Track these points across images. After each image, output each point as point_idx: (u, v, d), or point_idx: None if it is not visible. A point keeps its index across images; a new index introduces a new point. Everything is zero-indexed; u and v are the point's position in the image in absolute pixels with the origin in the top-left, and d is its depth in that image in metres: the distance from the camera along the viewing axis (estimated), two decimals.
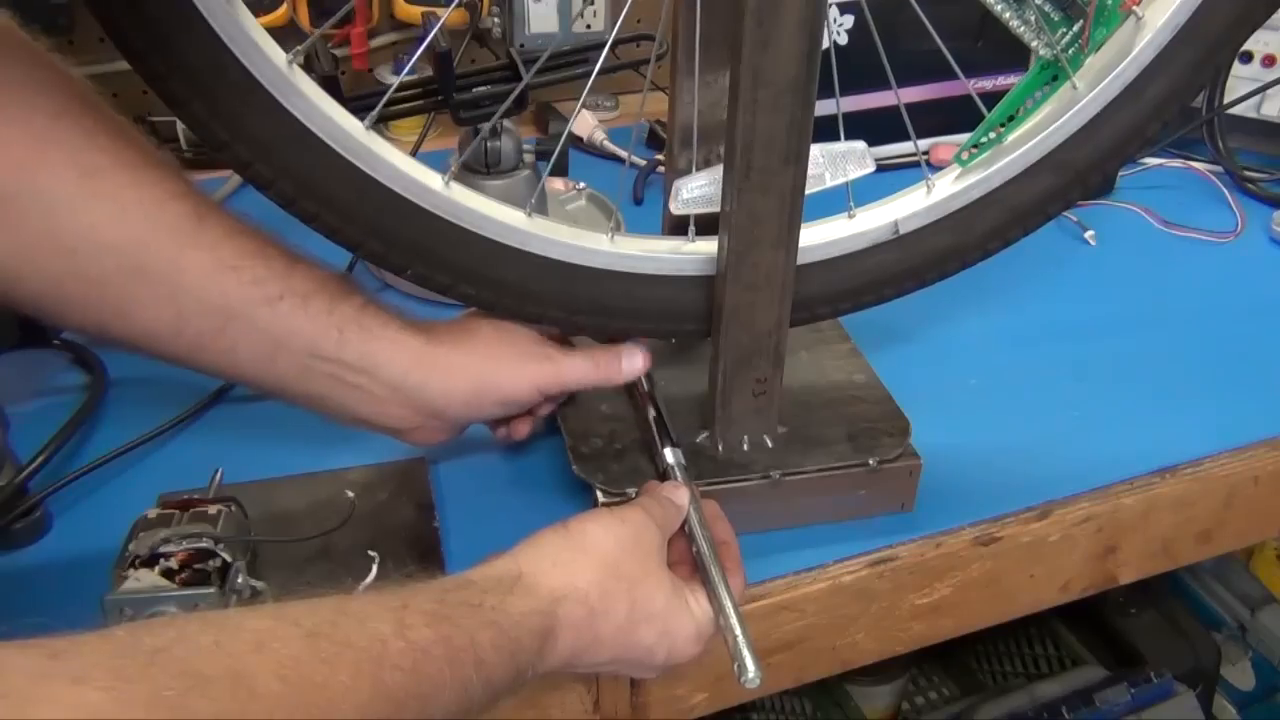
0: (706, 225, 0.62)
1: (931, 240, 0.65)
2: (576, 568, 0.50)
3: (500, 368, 0.62)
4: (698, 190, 0.61)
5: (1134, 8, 0.61)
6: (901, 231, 0.64)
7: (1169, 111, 0.65)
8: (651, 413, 0.65)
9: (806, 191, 0.58)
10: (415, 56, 0.63)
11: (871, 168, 0.62)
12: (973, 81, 1.02)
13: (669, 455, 0.61)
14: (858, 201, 0.64)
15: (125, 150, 0.54)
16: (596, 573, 0.50)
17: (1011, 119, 0.63)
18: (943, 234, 0.65)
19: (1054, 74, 0.62)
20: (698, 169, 0.63)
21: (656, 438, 0.63)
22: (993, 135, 0.64)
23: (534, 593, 0.48)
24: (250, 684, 0.36)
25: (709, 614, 0.54)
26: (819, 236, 0.64)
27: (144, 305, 0.55)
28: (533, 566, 0.49)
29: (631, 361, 0.64)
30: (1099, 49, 0.62)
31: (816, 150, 0.60)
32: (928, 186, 0.65)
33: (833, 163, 0.62)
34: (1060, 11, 0.61)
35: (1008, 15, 0.60)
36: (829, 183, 0.62)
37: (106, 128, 0.54)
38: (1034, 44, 0.61)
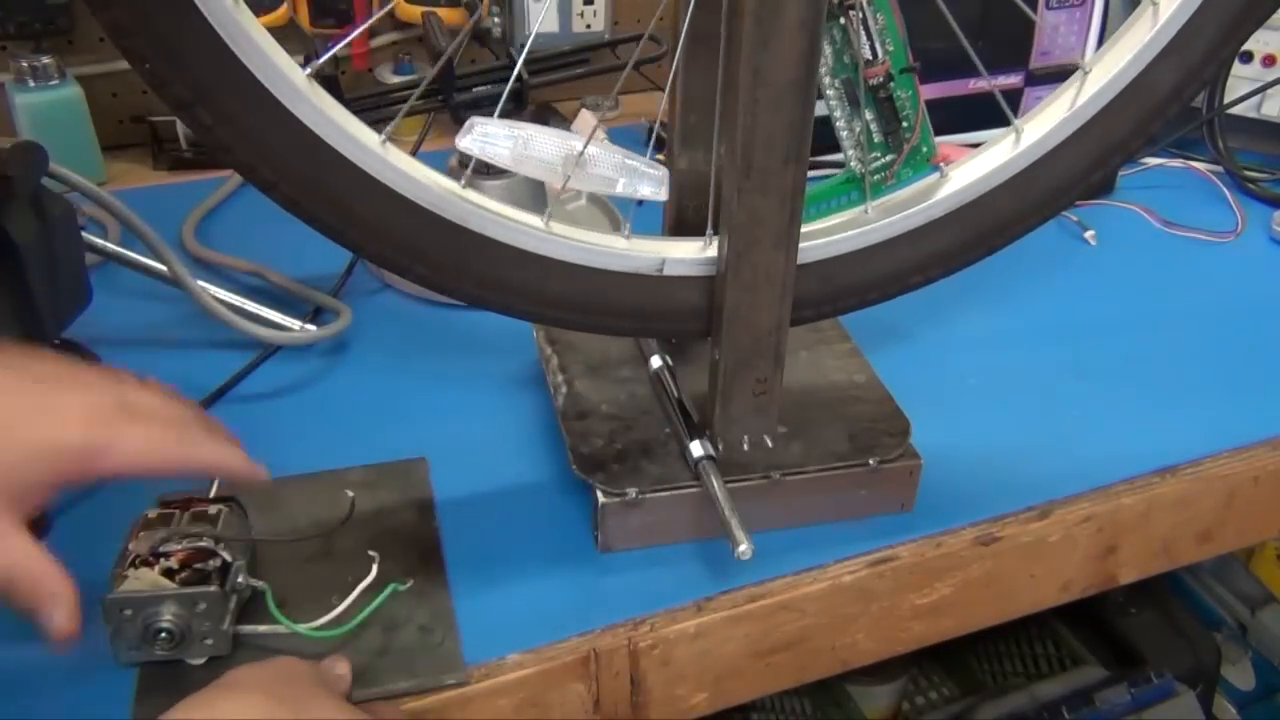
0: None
1: (686, 294, 0.63)
2: None
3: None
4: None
5: (942, 164, 0.62)
6: (666, 272, 0.61)
7: (940, 267, 0.65)
8: (675, 408, 0.64)
9: (599, 191, 0.57)
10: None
11: (664, 198, 0.60)
12: (972, 81, 1.03)
13: (696, 448, 0.62)
14: None
15: None
16: None
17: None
18: (695, 292, 0.62)
19: (854, 190, 0.63)
20: (697, 169, 0.63)
21: (684, 431, 0.63)
22: None
23: None
24: None
25: None
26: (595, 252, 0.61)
27: None
28: None
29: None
30: (900, 188, 0.63)
31: (623, 157, 0.58)
32: (707, 241, 0.62)
33: (630, 175, 0.59)
34: (883, 135, 0.61)
35: (839, 117, 0.59)
36: (619, 191, 0.59)
37: None
38: (849, 153, 0.61)
